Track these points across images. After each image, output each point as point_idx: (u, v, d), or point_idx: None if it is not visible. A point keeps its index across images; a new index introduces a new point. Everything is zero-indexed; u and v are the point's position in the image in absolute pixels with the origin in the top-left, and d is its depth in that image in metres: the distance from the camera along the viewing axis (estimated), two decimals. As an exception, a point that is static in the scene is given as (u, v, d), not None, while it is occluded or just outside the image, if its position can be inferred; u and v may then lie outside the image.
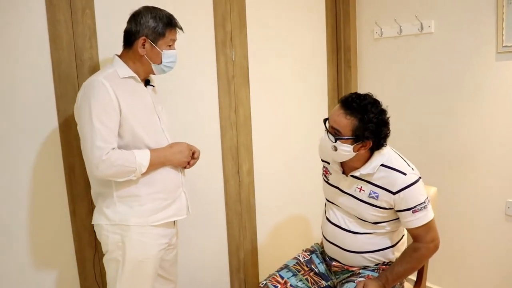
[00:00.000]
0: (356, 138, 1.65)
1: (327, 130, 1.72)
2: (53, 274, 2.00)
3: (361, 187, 1.77)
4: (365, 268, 1.86)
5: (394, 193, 1.70)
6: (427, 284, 2.16)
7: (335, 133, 1.69)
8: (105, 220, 1.71)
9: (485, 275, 2.40)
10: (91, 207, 1.96)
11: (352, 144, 1.66)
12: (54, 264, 2.00)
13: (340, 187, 1.85)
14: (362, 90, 2.90)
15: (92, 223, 1.78)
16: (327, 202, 1.97)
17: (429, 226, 1.72)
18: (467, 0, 2.29)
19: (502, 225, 2.30)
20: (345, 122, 1.66)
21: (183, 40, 2.23)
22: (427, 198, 1.73)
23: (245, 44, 2.48)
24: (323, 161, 1.98)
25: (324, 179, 1.96)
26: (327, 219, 1.93)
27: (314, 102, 2.91)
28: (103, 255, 1.79)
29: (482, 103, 2.31)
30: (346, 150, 1.68)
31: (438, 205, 2.05)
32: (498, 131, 2.27)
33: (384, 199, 1.72)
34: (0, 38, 1.77)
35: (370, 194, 1.75)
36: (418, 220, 1.70)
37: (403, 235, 1.94)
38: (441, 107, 2.50)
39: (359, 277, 1.80)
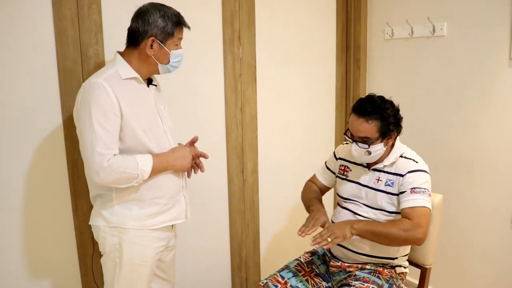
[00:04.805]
0: (383, 135, 1.79)
1: (355, 141, 1.81)
2: (54, 269, 2.01)
3: (379, 177, 1.87)
4: (361, 269, 1.87)
5: (403, 175, 1.80)
6: (430, 290, 2.14)
7: (363, 141, 1.79)
8: (102, 222, 1.68)
9: (489, 283, 2.38)
10: (93, 203, 1.96)
11: (382, 142, 1.80)
12: (56, 259, 2.00)
13: (360, 181, 1.93)
14: (370, 91, 2.88)
15: (90, 223, 1.76)
16: (341, 200, 2.01)
17: (422, 212, 1.73)
18: (481, 5, 2.24)
19: (508, 234, 2.27)
20: (370, 127, 1.77)
21: (190, 37, 2.21)
22: (429, 193, 1.77)
23: (253, 42, 2.45)
24: (341, 159, 2.05)
25: (341, 177, 2.02)
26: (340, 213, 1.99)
27: (322, 102, 2.88)
28: (101, 255, 1.79)
29: (492, 109, 2.27)
30: (380, 149, 1.81)
31: (443, 213, 2.03)
32: (506, 139, 2.23)
33: (397, 183, 1.82)
34: (5, 32, 1.76)
35: (386, 182, 1.84)
36: (413, 200, 1.75)
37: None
38: (450, 112, 2.46)
39: (355, 280, 1.81)
